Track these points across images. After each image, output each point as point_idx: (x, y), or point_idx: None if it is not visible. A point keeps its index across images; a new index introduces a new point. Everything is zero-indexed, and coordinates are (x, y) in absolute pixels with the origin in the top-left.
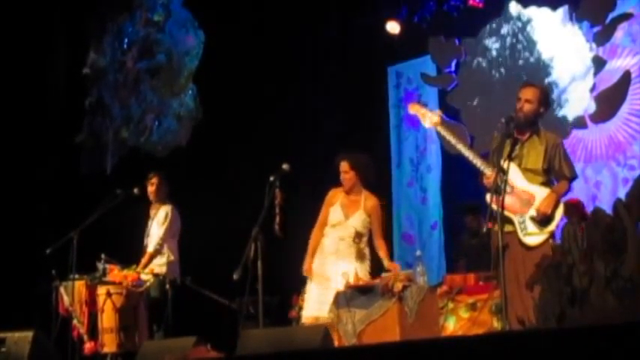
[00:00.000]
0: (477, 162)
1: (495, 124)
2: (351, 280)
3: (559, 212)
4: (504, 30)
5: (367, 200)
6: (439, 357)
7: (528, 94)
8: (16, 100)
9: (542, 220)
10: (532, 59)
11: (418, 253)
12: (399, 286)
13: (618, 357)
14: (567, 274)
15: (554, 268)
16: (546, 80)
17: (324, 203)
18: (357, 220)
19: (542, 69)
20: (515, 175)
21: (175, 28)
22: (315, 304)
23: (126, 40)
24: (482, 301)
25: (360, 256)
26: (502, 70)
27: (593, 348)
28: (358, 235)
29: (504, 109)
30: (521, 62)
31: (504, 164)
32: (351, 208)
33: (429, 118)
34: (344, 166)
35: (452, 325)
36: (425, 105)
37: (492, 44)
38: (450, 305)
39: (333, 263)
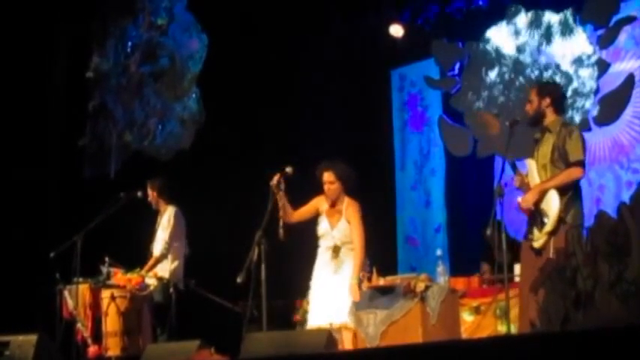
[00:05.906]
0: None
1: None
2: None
3: (553, 209)
4: (507, 32)
5: (348, 208)
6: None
7: (529, 95)
8: (18, 103)
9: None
10: (535, 61)
11: (439, 252)
12: (421, 286)
13: None
14: (571, 277)
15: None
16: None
17: (311, 201)
18: (340, 230)
19: (545, 71)
20: (533, 175)
21: (179, 32)
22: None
23: (129, 44)
24: (486, 305)
25: (339, 267)
26: (505, 72)
27: (597, 351)
28: (343, 245)
29: (508, 111)
30: (524, 64)
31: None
32: (334, 217)
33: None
34: (329, 176)
35: None
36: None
37: (495, 47)
38: None
39: (321, 273)
